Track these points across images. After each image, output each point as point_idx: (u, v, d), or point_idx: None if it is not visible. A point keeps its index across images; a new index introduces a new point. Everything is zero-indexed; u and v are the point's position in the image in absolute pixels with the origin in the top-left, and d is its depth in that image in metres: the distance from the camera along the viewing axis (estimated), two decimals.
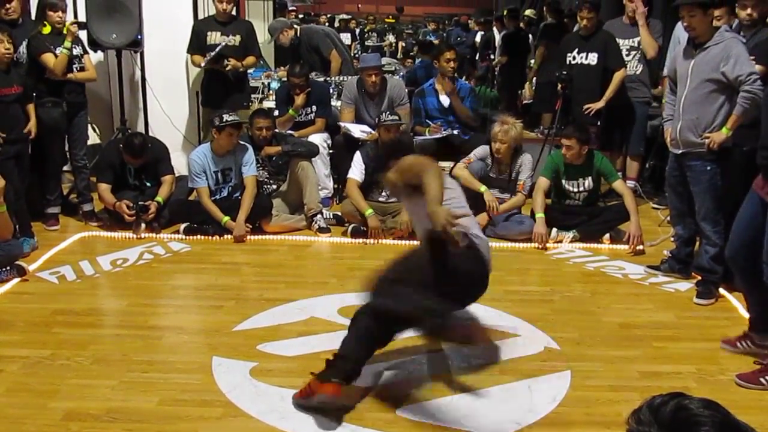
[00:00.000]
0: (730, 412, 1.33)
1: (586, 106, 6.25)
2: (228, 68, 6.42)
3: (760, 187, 3.50)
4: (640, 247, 5.32)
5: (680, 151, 4.45)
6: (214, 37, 6.48)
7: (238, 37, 6.53)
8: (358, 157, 5.75)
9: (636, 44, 6.33)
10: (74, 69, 5.70)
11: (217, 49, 6.36)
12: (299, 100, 6.42)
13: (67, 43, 5.53)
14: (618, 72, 6.23)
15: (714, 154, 4.28)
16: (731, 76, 4.13)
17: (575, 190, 5.62)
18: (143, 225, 5.49)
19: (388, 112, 5.84)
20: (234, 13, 6.68)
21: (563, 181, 5.62)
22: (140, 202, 5.47)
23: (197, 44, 6.51)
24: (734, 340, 3.77)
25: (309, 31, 8.06)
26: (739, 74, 4.11)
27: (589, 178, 5.58)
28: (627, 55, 6.34)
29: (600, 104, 6.24)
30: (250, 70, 7.03)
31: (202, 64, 6.44)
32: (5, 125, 5.09)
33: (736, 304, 4.32)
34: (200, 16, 6.99)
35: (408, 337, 3.80)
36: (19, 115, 5.24)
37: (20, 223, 4.98)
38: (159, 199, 5.57)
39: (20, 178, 5.16)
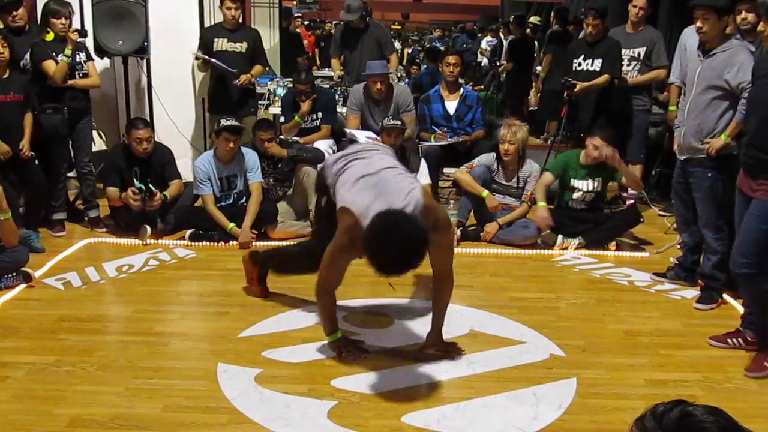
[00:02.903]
0: (734, 418, 1.32)
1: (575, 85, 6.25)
2: (241, 84, 6.45)
3: (743, 183, 3.66)
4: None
5: (684, 158, 4.46)
6: (221, 44, 6.52)
7: (245, 44, 6.56)
8: None
9: (637, 54, 6.30)
10: (77, 75, 5.73)
11: (220, 63, 6.37)
12: (305, 107, 6.43)
13: (67, 51, 5.53)
14: (606, 75, 6.19)
15: (714, 160, 4.28)
16: (734, 83, 4.13)
17: (584, 189, 5.57)
18: (149, 230, 5.50)
19: (390, 117, 5.81)
20: (241, 20, 6.69)
21: (572, 180, 5.58)
22: (146, 194, 5.48)
23: (204, 52, 6.54)
24: (724, 336, 3.84)
25: (379, 25, 7.69)
26: (741, 81, 4.10)
27: (599, 179, 5.55)
28: (627, 65, 6.31)
29: (578, 87, 6.21)
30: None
31: (195, 55, 6.41)
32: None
33: (743, 311, 4.30)
34: (206, 23, 7.03)
35: (413, 344, 3.82)
36: (14, 123, 5.23)
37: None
38: (166, 193, 5.59)
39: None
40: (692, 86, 4.34)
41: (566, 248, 5.49)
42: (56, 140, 5.57)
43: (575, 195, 5.62)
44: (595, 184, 5.57)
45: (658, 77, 6.30)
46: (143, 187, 5.58)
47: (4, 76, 5.20)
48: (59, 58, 5.53)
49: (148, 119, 6.81)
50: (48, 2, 5.69)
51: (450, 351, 3.68)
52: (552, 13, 10.82)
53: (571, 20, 9.79)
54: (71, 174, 6.17)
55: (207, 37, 6.59)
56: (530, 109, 10.68)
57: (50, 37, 5.62)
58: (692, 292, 4.62)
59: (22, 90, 5.28)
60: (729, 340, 3.83)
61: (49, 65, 5.53)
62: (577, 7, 10.55)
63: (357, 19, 7.08)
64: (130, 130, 5.62)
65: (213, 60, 6.44)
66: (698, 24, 4.19)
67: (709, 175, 4.32)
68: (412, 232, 2.99)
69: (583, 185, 5.57)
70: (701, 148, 4.31)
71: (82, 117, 5.83)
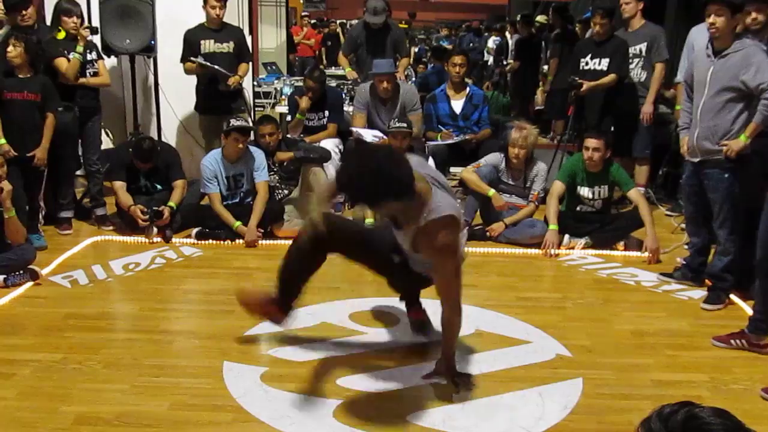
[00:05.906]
0: (740, 420, 1.32)
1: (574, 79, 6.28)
2: (232, 87, 6.34)
3: None
4: (658, 258, 5.25)
5: (697, 160, 4.41)
6: (209, 46, 6.38)
7: (231, 44, 6.43)
8: None
9: (639, 51, 6.28)
10: (87, 74, 5.75)
11: (218, 68, 6.28)
12: (303, 103, 6.36)
13: (80, 48, 5.57)
14: (613, 75, 6.18)
15: (731, 161, 4.23)
16: (752, 84, 4.07)
17: (591, 197, 5.57)
18: (155, 229, 5.51)
19: (396, 119, 5.78)
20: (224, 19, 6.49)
21: (579, 188, 5.57)
22: (154, 208, 5.48)
23: (191, 54, 6.39)
24: (727, 337, 3.83)
25: (397, 27, 7.70)
26: (760, 82, 4.05)
27: (605, 186, 5.54)
28: (630, 63, 6.30)
29: (584, 86, 6.21)
30: (261, 76, 7.00)
31: (197, 60, 6.34)
32: (11, 130, 5.15)
33: (750, 312, 4.28)
34: None
35: (419, 343, 3.81)
36: (27, 123, 5.25)
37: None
38: (171, 204, 5.58)
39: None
40: (704, 88, 4.28)
41: (573, 248, 5.48)
42: (66, 139, 5.59)
43: (584, 205, 5.62)
44: (603, 191, 5.56)
45: (661, 74, 6.28)
46: (148, 185, 5.62)
47: (23, 76, 5.22)
48: (71, 55, 5.57)
49: (155, 117, 6.83)
50: (60, 1, 5.72)
51: (458, 383, 3.32)
52: (550, 12, 10.81)
53: (582, 18, 9.76)
54: (79, 172, 6.19)
55: (193, 39, 6.40)
56: (537, 108, 10.66)
57: (62, 35, 5.66)
58: (699, 293, 4.60)
59: (38, 90, 5.27)
60: (732, 341, 3.81)
61: (62, 63, 5.56)
62: (583, 7, 10.53)
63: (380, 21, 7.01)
64: (135, 155, 5.60)
65: (216, 66, 6.29)
66: (710, 20, 4.13)
67: (726, 176, 4.28)
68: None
69: (590, 194, 5.56)
70: (717, 149, 4.26)
71: (91, 116, 5.86)
